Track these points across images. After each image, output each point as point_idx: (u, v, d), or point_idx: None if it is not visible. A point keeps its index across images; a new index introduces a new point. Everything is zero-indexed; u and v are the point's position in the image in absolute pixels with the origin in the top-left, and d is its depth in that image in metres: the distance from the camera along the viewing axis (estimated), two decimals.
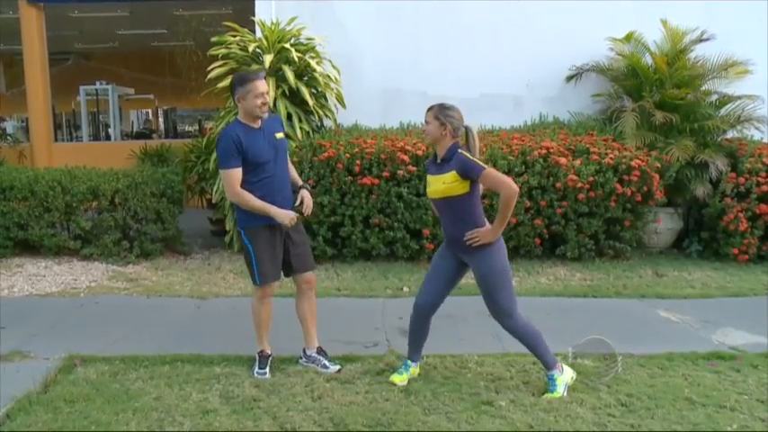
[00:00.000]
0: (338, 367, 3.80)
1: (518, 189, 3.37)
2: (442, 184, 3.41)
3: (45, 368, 3.80)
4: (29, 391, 3.48)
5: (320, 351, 3.90)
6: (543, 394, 3.45)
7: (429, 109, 3.52)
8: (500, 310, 3.47)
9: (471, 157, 3.37)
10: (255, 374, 3.73)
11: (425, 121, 3.52)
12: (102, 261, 6.47)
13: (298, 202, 3.73)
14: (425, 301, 3.64)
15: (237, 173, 3.58)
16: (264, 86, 3.63)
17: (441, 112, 3.45)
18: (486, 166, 3.34)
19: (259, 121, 3.68)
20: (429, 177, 3.54)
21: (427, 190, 3.58)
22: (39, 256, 6.63)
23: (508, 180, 3.33)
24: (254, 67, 6.26)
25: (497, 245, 3.44)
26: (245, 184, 3.61)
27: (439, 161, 3.48)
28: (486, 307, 3.51)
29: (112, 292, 5.59)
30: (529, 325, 3.53)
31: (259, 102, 3.58)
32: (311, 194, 3.84)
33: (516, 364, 3.87)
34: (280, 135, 3.78)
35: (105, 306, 5.23)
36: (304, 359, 3.91)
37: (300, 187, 3.83)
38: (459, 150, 3.41)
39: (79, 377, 3.69)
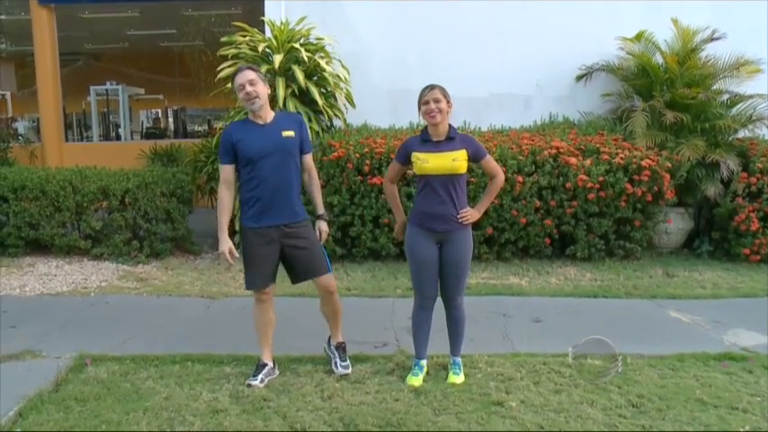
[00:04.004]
0: (347, 371, 3.70)
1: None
2: (452, 161, 3.43)
3: (56, 367, 3.82)
4: (40, 390, 3.51)
5: (339, 347, 3.82)
6: (446, 379, 3.63)
7: (432, 87, 3.46)
8: (462, 289, 3.63)
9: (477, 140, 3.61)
10: (248, 381, 3.58)
11: (435, 99, 3.41)
12: (112, 261, 6.50)
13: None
14: (433, 297, 3.62)
15: (226, 170, 3.56)
16: (242, 78, 3.48)
17: (446, 91, 3.48)
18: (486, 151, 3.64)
19: (267, 117, 3.57)
20: (427, 154, 3.45)
21: (424, 166, 3.45)
22: (50, 255, 6.67)
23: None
24: (264, 67, 6.28)
25: (471, 228, 3.60)
26: (240, 181, 3.59)
27: (443, 139, 3.49)
28: (449, 287, 3.60)
29: (123, 292, 5.62)
30: None
31: (241, 95, 3.51)
32: (328, 225, 3.76)
33: (526, 364, 3.86)
34: (287, 133, 3.56)
35: (115, 305, 5.25)
36: (326, 346, 3.90)
37: (318, 217, 3.74)
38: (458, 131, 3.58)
39: (90, 376, 3.71)
